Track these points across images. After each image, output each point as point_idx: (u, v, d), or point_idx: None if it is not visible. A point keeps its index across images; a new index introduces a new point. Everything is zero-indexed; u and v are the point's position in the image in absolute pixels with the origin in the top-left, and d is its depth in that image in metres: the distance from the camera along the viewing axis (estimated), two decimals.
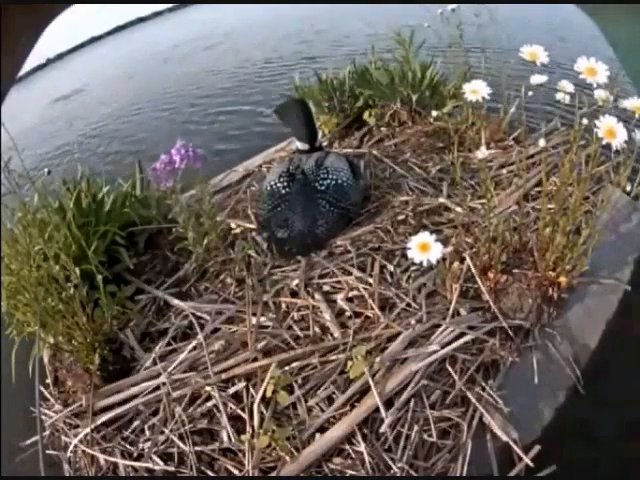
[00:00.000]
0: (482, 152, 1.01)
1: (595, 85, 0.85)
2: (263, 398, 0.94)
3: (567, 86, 0.94)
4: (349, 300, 1.11)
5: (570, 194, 1.02)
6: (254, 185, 1.67)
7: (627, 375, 1.05)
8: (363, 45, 2.12)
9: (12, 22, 0.49)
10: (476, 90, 0.92)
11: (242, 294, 1.16)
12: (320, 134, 1.89)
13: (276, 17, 6.42)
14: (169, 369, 1.04)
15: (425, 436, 0.88)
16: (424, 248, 0.87)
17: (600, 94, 0.90)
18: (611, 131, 0.84)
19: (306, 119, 1.46)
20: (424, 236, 0.88)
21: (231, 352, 1.06)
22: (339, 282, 1.14)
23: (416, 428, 0.88)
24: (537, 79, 0.95)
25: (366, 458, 0.85)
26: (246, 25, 6.58)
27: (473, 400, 0.91)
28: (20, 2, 0.50)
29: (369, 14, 4.80)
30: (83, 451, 1.00)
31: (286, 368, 0.98)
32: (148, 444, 0.96)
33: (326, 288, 1.15)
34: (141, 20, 9.56)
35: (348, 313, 1.08)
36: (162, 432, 0.96)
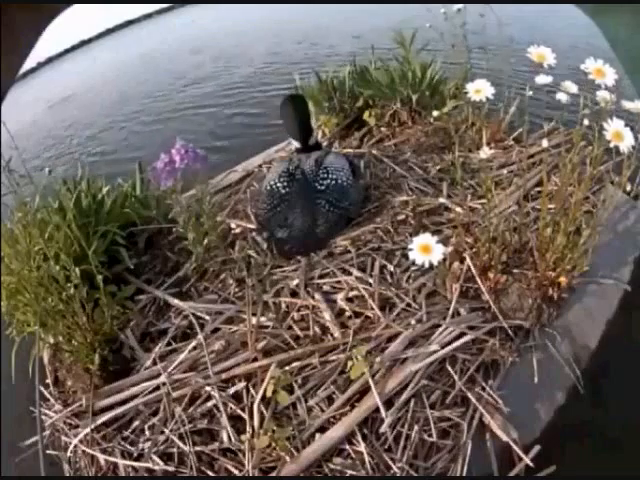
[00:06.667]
0: (484, 152, 1.01)
1: (603, 86, 0.85)
2: (263, 398, 0.94)
3: (570, 87, 0.94)
4: (349, 300, 1.11)
5: (570, 194, 1.02)
6: (254, 185, 1.67)
7: (627, 375, 1.05)
8: (363, 45, 2.12)
9: (12, 21, 0.49)
10: (480, 90, 0.92)
11: (242, 294, 1.16)
12: (320, 134, 1.89)
13: (273, 17, 6.41)
14: (169, 369, 1.04)
15: (425, 436, 0.88)
16: (425, 249, 0.87)
17: (603, 95, 0.90)
18: (619, 134, 0.84)
19: (298, 117, 1.41)
20: (425, 237, 0.88)
21: (231, 352, 1.06)
22: (339, 282, 1.14)
23: (416, 428, 0.88)
24: (542, 79, 0.94)
25: (366, 458, 0.85)
26: (240, 26, 6.57)
27: (473, 400, 0.92)
28: (20, 1, 0.50)
29: (369, 14, 4.79)
30: (83, 451, 1.00)
31: (286, 368, 0.98)
32: (148, 444, 0.96)
33: (326, 288, 1.14)
34: (130, 23, 9.54)
35: (348, 313, 1.08)
36: (162, 432, 0.96)
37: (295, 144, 1.47)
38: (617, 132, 0.85)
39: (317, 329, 1.06)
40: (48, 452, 1.04)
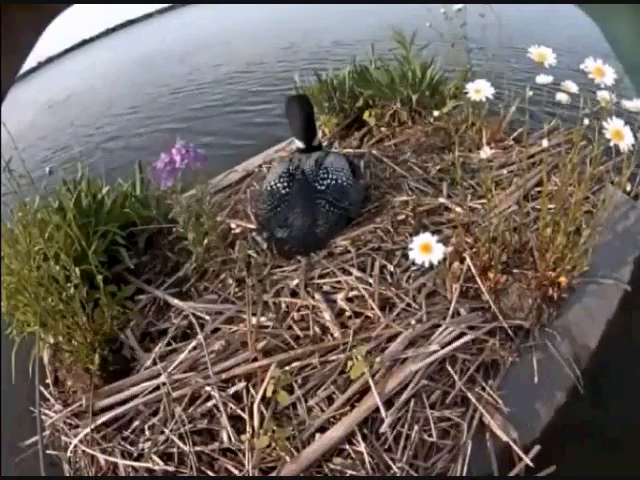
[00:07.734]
0: (485, 152, 1.01)
1: (602, 85, 0.85)
2: (263, 398, 0.94)
3: (571, 87, 0.94)
4: (349, 300, 1.11)
5: (570, 194, 1.02)
6: (254, 185, 1.67)
7: (627, 375, 1.05)
8: (363, 45, 2.12)
9: (12, 21, 0.49)
10: (480, 90, 0.92)
11: (242, 294, 1.16)
12: (320, 134, 1.89)
13: (272, 18, 6.41)
14: (169, 369, 1.04)
15: (425, 436, 0.88)
16: (426, 249, 0.87)
17: (603, 95, 0.90)
18: (619, 133, 0.84)
19: (303, 117, 1.43)
20: (426, 237, 0.88)
21: (231, 352, 1.06)
22: (339, 282, 1.14)
23: (416, 428, 0.88)
24: (542, 79, 0.94)
25: (366, 458, 0.85)
26: (239, 26, 6.57)
27: (473, 400, 0.92)
28: (20, 1, 0.50)
29: (370, 13, 4.79)
30: (83, 451, 1.00)
31: (286, 368, 0.98)
32: (148, 444, 0.95)
33: (326, 288, 1.14)
34: (131, 22, 9.57)
35: (348, 313, 1.08)
36: (162, 432, 0.96)
37: (297, 144, 1.47)
38: (617, 131, 0.84)
39: (317, 329, 1.06)
40: (48, 452, 1.04)
